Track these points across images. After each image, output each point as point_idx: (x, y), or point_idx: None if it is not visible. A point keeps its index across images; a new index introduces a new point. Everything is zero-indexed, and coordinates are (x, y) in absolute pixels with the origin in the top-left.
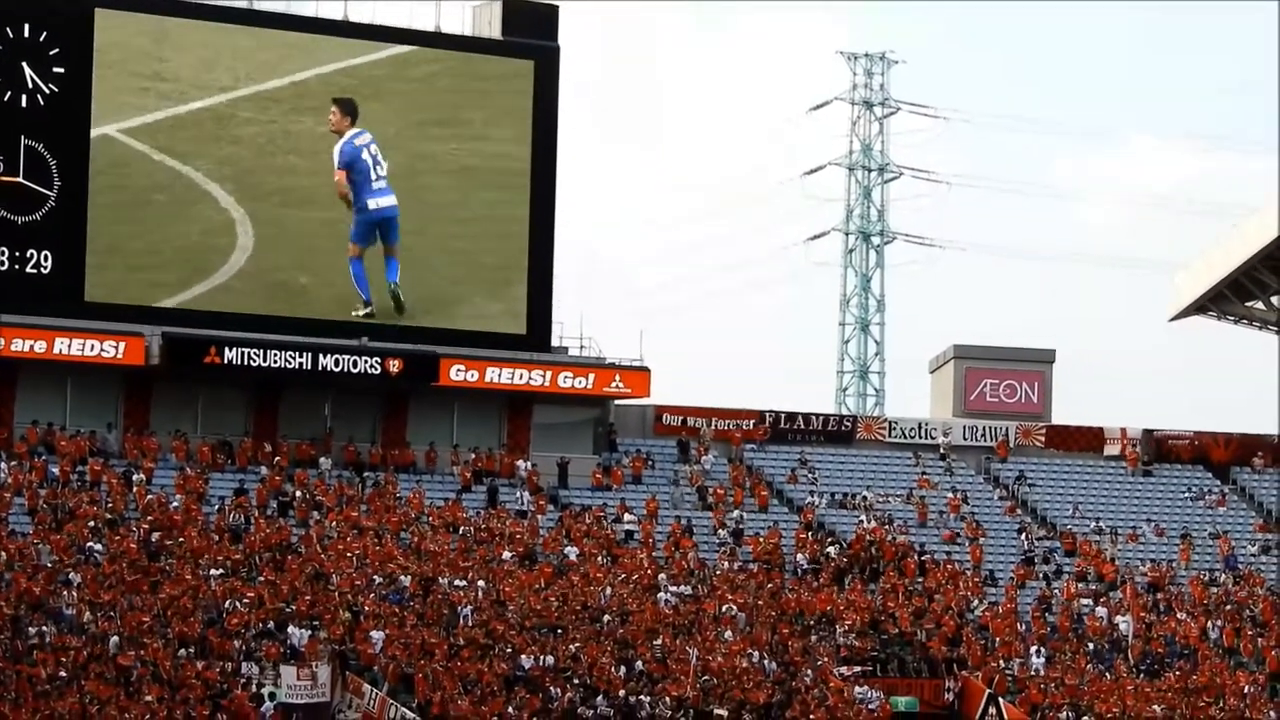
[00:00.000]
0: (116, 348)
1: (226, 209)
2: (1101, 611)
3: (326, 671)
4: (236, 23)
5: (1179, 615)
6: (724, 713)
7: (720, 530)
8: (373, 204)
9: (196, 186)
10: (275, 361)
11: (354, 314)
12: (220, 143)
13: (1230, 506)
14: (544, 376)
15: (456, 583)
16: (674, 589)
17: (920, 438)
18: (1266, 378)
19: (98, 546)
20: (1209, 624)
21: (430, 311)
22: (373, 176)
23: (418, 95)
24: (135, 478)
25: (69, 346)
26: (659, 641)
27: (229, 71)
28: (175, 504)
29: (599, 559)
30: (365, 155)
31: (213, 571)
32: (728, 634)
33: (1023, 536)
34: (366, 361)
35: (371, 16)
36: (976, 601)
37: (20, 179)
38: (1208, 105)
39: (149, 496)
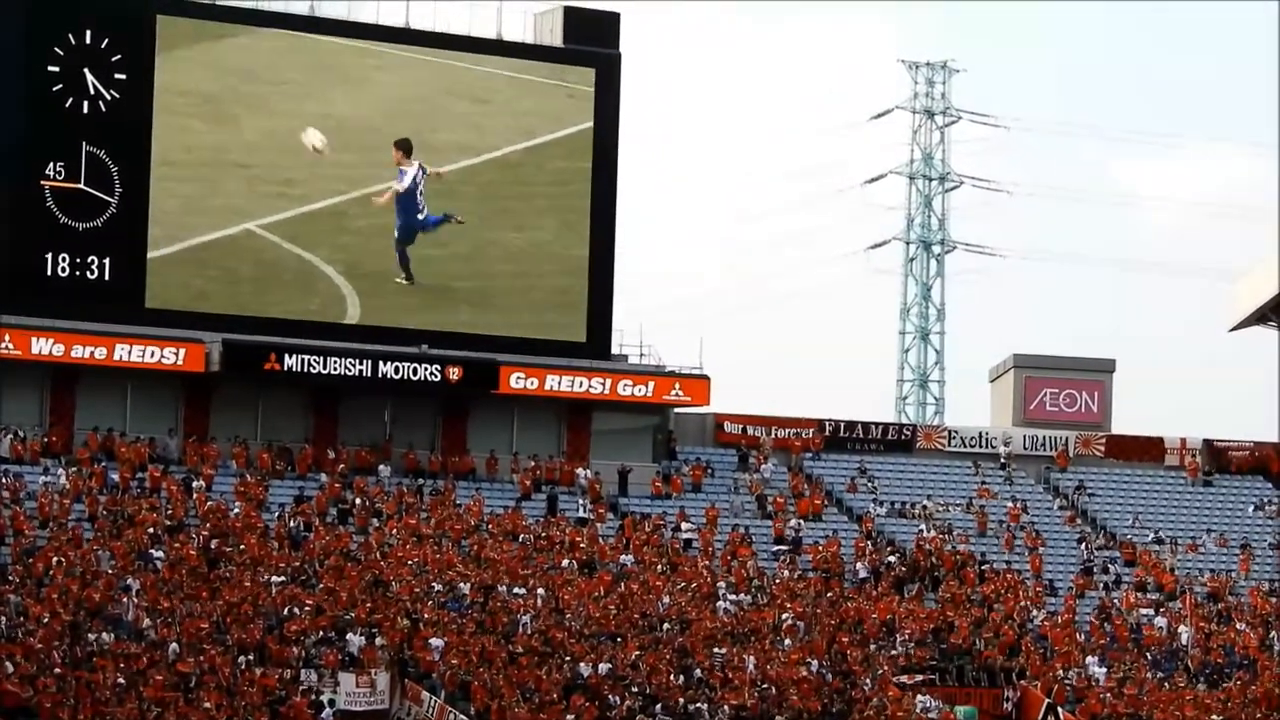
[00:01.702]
0: (176, 354)
1: (339, 285)
2: (1161, 621)
3: (385, 679)
4: (297, 29)
5: (1239, 625)
6: None
7: (779, 539)
8: (419, 215)
9: (317, 269)
10: (335, 368)
11: (396, 280)
12: (335, 234)
13: None
14: (604, 384)
15: (516, 590)
16: (733, 597)
17: (980, 447)
18: None
19: (157, 553)
20: (1269, 634)
21: (491, 318)
22: (419, 206)
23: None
24: (195, 484)
25: (129, 353)
26: (718, 650)
27: (347, 174)
28: (235, 511)
29: (658, 567)
30: (418, 194)
31: (272, 578)
32: (786, 643)
33: (1082, 546)
34: (426, 369)
35: (432, 24)
36: (1036, 611)
37: (82, 185)
38: (1270, 110)
39: (209, 503)
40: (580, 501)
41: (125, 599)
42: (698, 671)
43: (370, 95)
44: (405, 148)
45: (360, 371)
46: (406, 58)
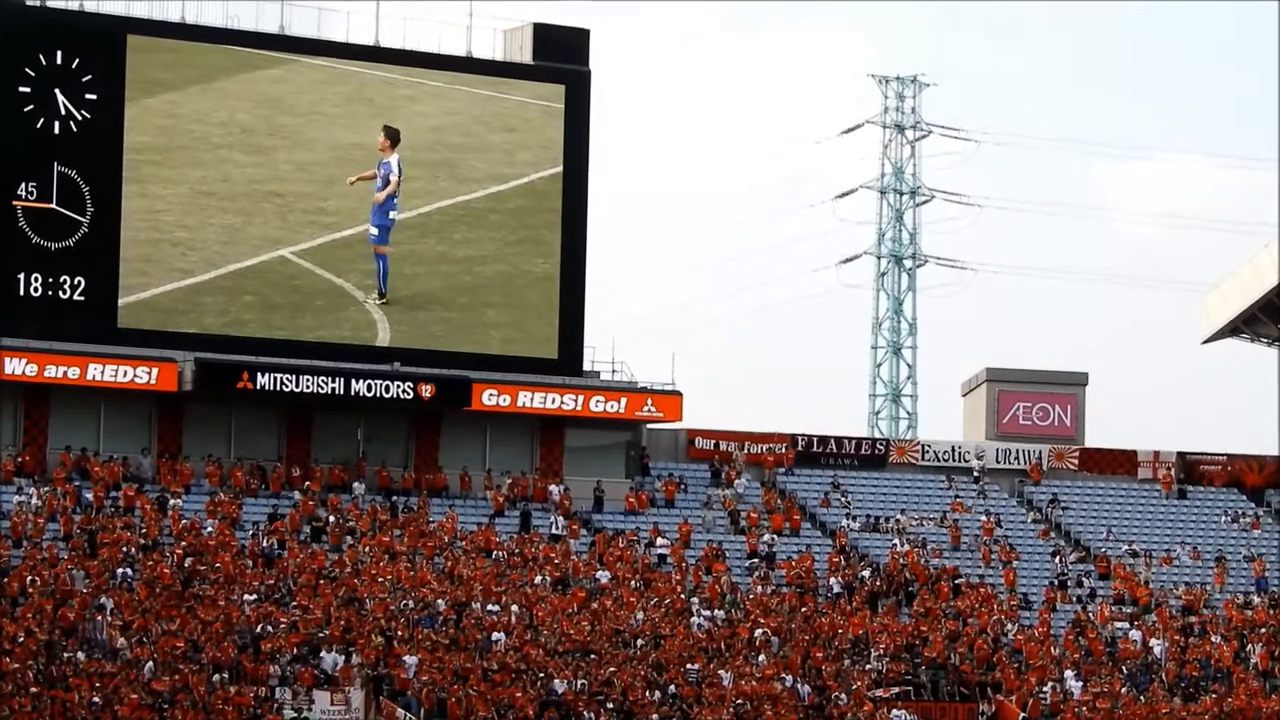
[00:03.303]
0: (149, 373)
1: (369, 310)
2: (1136, 635)
3: (360, 697)
4: (267, 49)
5: (1213, 638)
6: None
7: (753, 555)
8: (392, 215)
9: (348, 294)
10: (307, 386)
11: (369, 299)
12: (364, 260)
13: (1265, 529)
14: (576, 400)
15: (490, 607)
16: (706, 613)
17: (953, 461)
18: None
19: (132, 572)
20: (1244, 647)
21: (463, 336)
22: (397, 194)
23: (452, 121)
24: (172, 504)
25: (102, 372)
26: (692, 666)
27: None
28: (209, 529)
29: (631, 583)
30: (393, 176)
31: (246, 596)
32: (761, 658)
33: (1056, 559)
34: (399, 386)
35: (403, 41)
36: (1010, 625)
37: (54, 205)
38: (1241, 122)
39: (183, 522)
40: (553, 518)
41: (100, 618)
42: (672, 687)
43: (348, 114)
44: (394, 137)
45: (333, 389)
46: (373, 76)
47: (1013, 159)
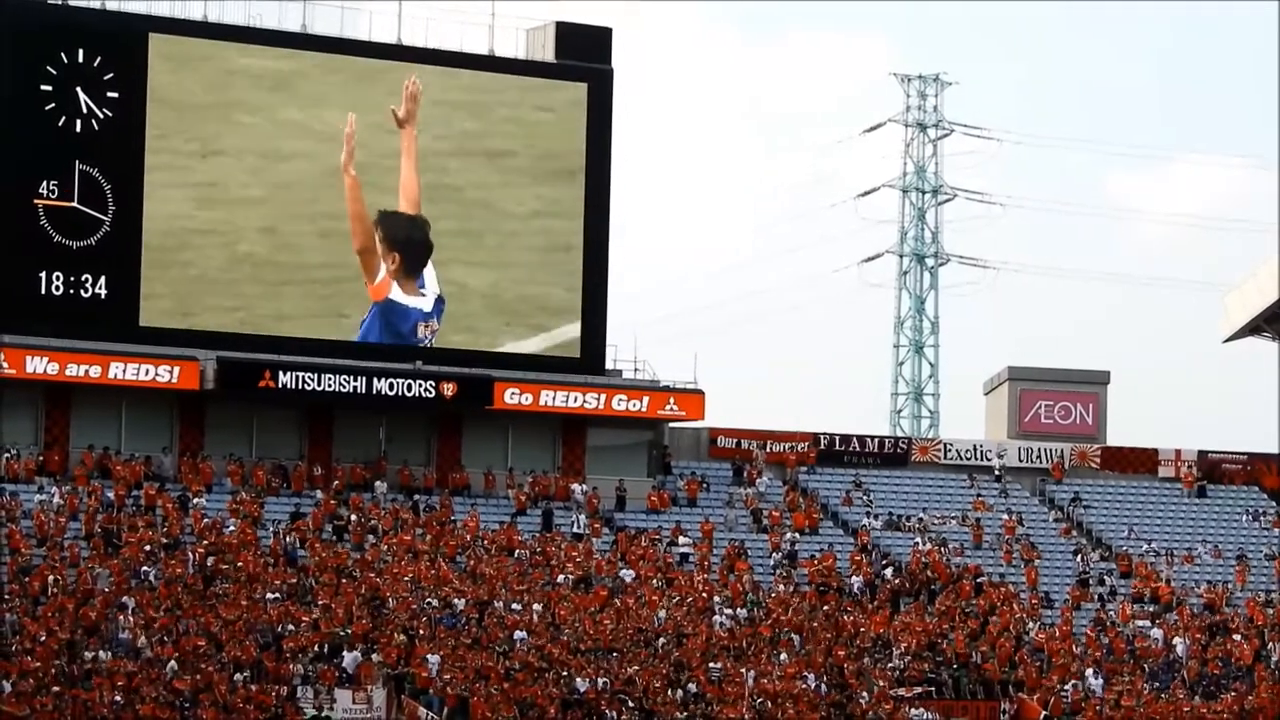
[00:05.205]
0: (171, 372)
1: None
2: (1157, 633)
3: (382, 695)
4: (291, 47)
5: (1235, 637)
6: None
7: (775, 553)
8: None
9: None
10: (329, 385)
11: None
12: None
13: None
14: (598, 399)
15: (512, 606)
16: (728, 612)
17: (975, 460)
18: None
19: (153, 571)
20: (1266, 645)
21: (484, 334)
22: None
23: (471, 117)
24: (194, 502)
25: (124, 371)
26: (714, 664)
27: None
28: (230, 528)
29: (654, 582)
30: (424, 326)
31: (268, 595)
32: (783, 656)
33: (1078, 558)
34: (420, 385)
35: (424, 40)
36: (1032, 624)
37: (75, 204)
38: (1264, 124)
39: (204, 521)
40: (575, 516)
41: (121, 617)
42: (694, 686)
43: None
44: (418, 254)
45: (355, 388)
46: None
47: (1035, 158)
